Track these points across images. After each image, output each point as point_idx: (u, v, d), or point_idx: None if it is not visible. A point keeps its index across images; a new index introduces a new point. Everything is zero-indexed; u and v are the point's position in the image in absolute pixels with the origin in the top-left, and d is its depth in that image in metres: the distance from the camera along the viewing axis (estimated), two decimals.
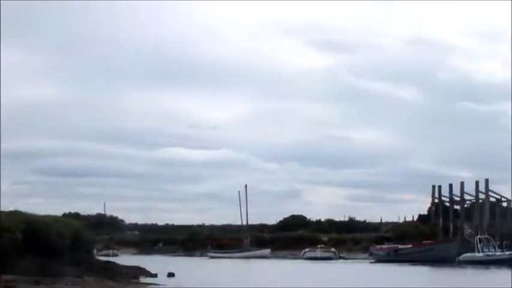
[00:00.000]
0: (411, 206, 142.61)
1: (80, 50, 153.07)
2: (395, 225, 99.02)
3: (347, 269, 63.47)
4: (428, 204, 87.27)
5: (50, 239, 33.80)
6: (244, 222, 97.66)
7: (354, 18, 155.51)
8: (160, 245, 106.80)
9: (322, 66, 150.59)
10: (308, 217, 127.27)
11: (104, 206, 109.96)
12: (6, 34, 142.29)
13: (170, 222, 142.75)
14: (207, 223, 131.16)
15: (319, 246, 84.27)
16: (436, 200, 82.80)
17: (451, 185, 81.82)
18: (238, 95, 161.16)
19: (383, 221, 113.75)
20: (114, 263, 46.02)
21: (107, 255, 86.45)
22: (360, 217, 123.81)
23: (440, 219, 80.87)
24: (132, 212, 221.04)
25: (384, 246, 78.08)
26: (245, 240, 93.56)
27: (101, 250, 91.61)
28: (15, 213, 34.25)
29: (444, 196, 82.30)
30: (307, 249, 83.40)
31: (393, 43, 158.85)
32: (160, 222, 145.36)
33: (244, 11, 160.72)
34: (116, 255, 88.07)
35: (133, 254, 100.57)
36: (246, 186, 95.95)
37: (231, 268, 63.08)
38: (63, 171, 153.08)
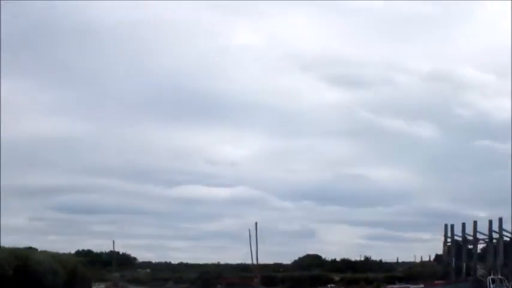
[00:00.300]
0: (427, 245, 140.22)
1: (97, 85, 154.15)
2: (411, 265, 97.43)
3: None
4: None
5: (42, 275, 33.26)
6: (255, 261, 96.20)
7: (370, 54, 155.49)
8: (171, 283, 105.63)
9: (337, 102, 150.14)
10: (323, 256, 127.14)
11: (113, 243, 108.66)
12: (22, 69, 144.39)
13: (184, 261, 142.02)
14: (222, 262, 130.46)
15: (329, 286, 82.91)
16: (449, 240, 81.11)
17: (464, 224, 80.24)
18: (255, 130, 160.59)
19: (399, 260, 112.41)
20: None
21: None
22: (376, 256, 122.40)
23: (453, 259, 79.22)
24: (147, 249, 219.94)
25: (395, 286, 76.64)
26: (255, 280, 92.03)
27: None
28: (8, 250, 33.49)
29: (457, 236, 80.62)
30: None
31: (409, 79, 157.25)
32: (174, 261, 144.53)
33: (261, 45, 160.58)
34: None
35: None
36: (256, 224, 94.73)
37: None
38: (79, 207, 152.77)
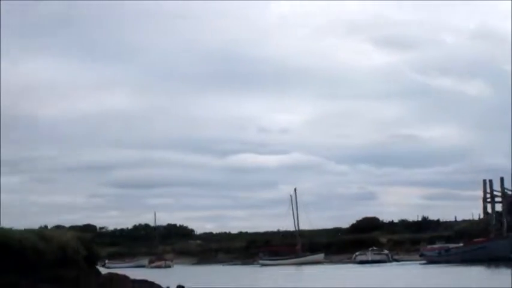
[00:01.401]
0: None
1: (147, 58, 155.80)
2: (457, 223, 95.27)
3: (390, 272, 60.07)
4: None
5: (23, 254, 32.87)
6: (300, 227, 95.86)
7: (416, 14, 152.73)
8: (221, 254, 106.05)
9: (386, 64, 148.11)
10: (381, 218, 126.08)
11: (155, 215, 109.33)
12: (76, 47, 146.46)
13: (244, 230, 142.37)
14: (282, 229, 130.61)
15: (370, 249, 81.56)
16: (488, 195, 77.88)
17: (502, 179, 76.69)
18: (305, 96, 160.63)
19: (458, 219, 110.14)
20: (122, 277, 44.71)
21: (159, 266, 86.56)
22: (434, 216, 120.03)
23: (494, 215, 76.44)
24: (206, 220, 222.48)
25: (435, 246, 74.74)
26: (297, 247, 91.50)
27: (153, 261, 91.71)
28: None
29: (496, 191, 77.35)
30: (357, 253, 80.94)
31: (456, 37, 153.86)
32: (234, 231, 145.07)
33: (307, 10, 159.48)
34: (168, 266, 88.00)
35: (193, 264, 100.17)
36: (295, 190, 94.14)
37: (263, 276, 61.08)
38: (135, 182, 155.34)
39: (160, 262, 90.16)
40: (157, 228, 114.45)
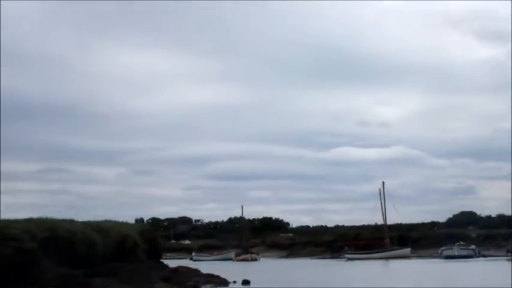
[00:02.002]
0: None
1: (249, 52, 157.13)
2: None
3: (469, 268, 58.02)
4: None
5: (74, 246, 33.01)
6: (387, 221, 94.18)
7: None
8: (310, 247, 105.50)
9: (491, 58, 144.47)
10: (478, 213, 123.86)
11: (242, 208, 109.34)
12: (178, 41, 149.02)
13: (341, 224, 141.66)
14: (379, 222, 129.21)
15: (457, 243, 79.11)
16: None
17: None
18: (406, 90, 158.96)
19: None
20: (189, 270, 44.91)
21: (245, 259, 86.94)
22: None
23: None
24: (303, 214, 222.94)
25: None
26: (385, 240, 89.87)
27: (239, 255, 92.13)
28: (36, 221, 33.25)
29: None
30: (443, 248, 78.69)
31: None
32: (331, 224, 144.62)
33: (409, 5, 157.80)
34: (254, 259, 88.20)
35: (281, 257, 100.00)
36: (383, 183, 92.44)
37: (340, 271, 59.86)
38: (234, 175, 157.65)
39: (247, 255, 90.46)
40: (244, 221, 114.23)
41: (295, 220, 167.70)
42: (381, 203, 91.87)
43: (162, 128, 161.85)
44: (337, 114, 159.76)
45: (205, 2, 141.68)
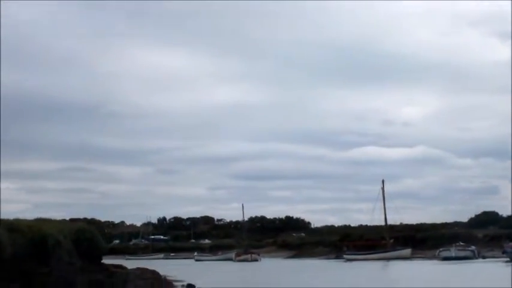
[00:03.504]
0: None
1: (272, 52, 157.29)
2: None
3: (464, 270, 56.13)
4: None
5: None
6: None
7: None
8: (320, 247, 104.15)
9: (509, 57, 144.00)
10: (500, 213, 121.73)
11: (243, 207, 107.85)
12: (202, 41, 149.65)
13: (364, 223, 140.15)
14: (404, 222, 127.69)
15: (454, 245, 77.06)
16: None
17: None
18: (430, 90, 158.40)
19: None
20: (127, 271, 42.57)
21: (245, 260, 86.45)
22: None
23: None
24: (326, 213, 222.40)
25: None
26: (387, 241, 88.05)
27: (239, 255, 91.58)
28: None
29: None
30: (441, 249, 76.81)
31: None
32: (354, 223, 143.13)
33: (432, 6, 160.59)
34: (255, 259, 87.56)
35: (287, 257, 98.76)
36: (383, 181, 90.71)
37: (330, 273, 57.58)
38: (257, 174, 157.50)
39: (247, 255, 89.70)
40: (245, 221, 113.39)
41: (321, 220, 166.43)
42: (384, 202, 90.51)
43: (186, 127, 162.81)
44: (361, 114, 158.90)
45: (230, 2, 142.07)
